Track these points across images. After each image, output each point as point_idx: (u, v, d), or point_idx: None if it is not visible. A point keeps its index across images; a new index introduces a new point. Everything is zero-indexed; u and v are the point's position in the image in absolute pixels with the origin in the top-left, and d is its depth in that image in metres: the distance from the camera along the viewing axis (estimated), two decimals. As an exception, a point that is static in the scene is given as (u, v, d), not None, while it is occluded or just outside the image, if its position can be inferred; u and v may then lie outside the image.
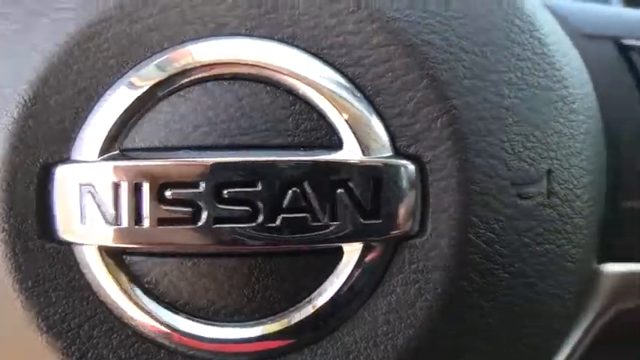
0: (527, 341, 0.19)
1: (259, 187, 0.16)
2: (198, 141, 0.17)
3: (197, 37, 0.17)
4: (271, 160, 0.16)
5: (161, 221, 0.16)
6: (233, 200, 0.16)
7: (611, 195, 0.24)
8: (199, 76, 0.17)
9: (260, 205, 0.16)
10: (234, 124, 0.17)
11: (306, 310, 0.17)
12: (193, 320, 0.17)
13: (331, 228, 0.16)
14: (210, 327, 0.17)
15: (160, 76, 0.17)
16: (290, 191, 0.16)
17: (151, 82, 0.17)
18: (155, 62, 0.17)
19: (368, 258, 0.17)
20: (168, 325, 0.17)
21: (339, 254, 0.17)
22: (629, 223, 0.24)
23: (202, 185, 0.16)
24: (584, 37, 0.26)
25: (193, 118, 0.17)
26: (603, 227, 0.24)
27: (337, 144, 0.17)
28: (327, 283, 0.17)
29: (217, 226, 0.16)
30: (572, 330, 0.23)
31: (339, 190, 0.16)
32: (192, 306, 0.17)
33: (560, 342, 0.22)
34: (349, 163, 0.17)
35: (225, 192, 0.16)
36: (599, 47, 0.26)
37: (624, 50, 0.26)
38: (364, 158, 0.17)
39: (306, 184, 0.16)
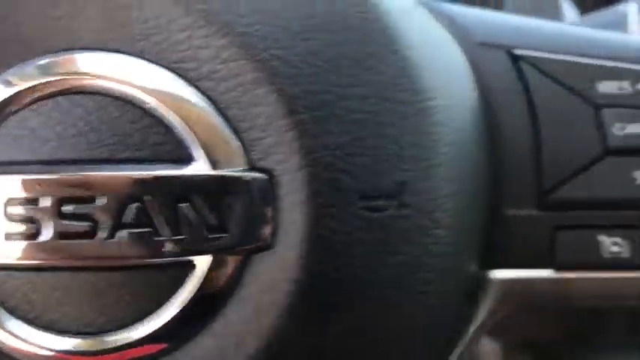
0: (386, 347, 0.20)
1: (100, 202, 0.16)
2: (47, 156, 0.17)
3: (48, 51, 0.17)
4: (111, 175, 0.16)
5: (7, 236, 0.17)
6: (75, 216, 0.16)
7: (495, 203, 0.24)
8: (50, 90, 0.17)
9: (101, 220, 0.16)
10: (82, 138, 0.17)
11: (156, 323, 0.17)
12: (45, 332, 0.17)
13: (177, 242, 0.17)
14: (60, 338, 0.17)
15: (9, 92, 0.17)
16: (131, 206, 0.16)
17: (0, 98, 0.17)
18: (5, 77, 0.17)
19: (218, 271, 0.17)
20: (19, 338, 0.17)
21: (190, 267, 0.17)
22: (514, 230, 0.24)
23: (45, 200, 0.16)
24: (478, 45, 0.26)
25: (43, 133, 0.17)
26: (487, 234, 0.24)
27: (187, 158, 0.17)
28: (176, 296, 0.17)
29: (60, 241, 0.16)
30: (451, 335, 0.24)
31: (183, 205, 0.17)
32: (44, 319, 0.17)
33: (435, 348, 0.22)
34: (194, 177, 0.17)
35: (67, 207, 0.16)
36: (492, 56, 0.26)
37: (515, 60, 0.26)
38: (212, 172, 0.17)
39: (148, 199, 0.16)
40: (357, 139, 0.18)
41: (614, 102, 0.25)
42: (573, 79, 0.25)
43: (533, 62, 0.26)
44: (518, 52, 0.26)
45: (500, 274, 0.24)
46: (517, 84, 0.25)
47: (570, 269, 0.24)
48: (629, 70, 0.25)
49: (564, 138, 0.24)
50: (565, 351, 0.41)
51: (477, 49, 0.26)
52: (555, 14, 0.60)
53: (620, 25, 0.43)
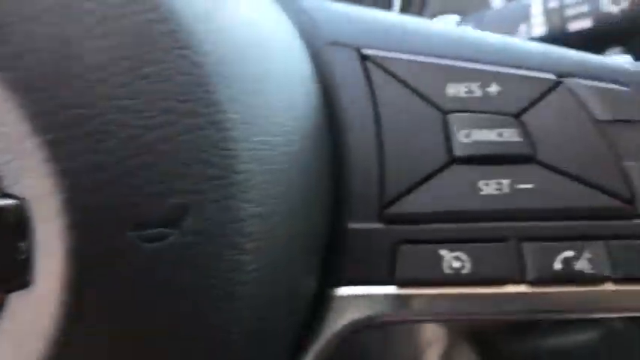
0: None
1: None
2: None
3: None
4: None
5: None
6: None
7: (337, 216, 0.23)
8: None
9: None
10: None
11: None
12: None
13: None
14: None
15: None
16: None
17: None
18: None
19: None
20: None
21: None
22: (357, 245, 0.23)
23: None
24: (328, 44, 0.25)
25: None
26: (330, 250, 0.23)
27: None
28: None
29: None
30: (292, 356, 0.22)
31: None
32: None
33: None
34: None
35: None
36: (342, 56, 0.24)
37: (364, 60, 0.24)
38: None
39: None
40: (124, 158, 0.15)
41: (462, 106, 0.23)
42: (422, 82, 0.24)
43: (380, 63, 0.24)
44: (366, 51, 0.24)
45: (343, 291, 0.23)
46: (365, 87, 0.24)
47: (411, 285, 0.22)
48: (480, 71, 0.24)
49: (409, 146, 0.23)
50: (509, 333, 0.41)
51: (327, 48, 0.24)
52: (482, 1, 0.59)
53: (523, 16, 0.42)
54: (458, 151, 0.23)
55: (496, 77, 0.23)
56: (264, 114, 0.19)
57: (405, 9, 0.63)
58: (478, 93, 0.23)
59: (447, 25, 0.25)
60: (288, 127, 0.20)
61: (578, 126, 0.23)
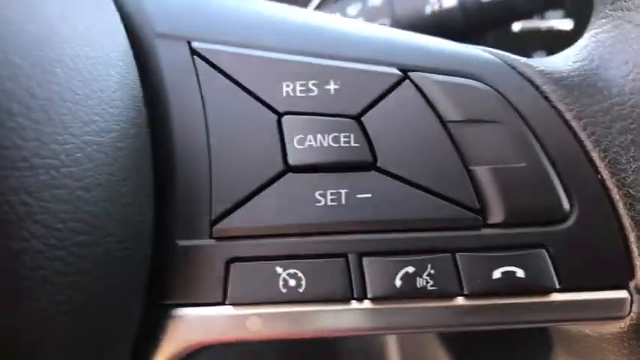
0: None
1: None
2: None
3: None
4: None
5: None
6: None
7: (166, 232, 0.21)
8: None
9: None
10: None
11: None
12: None
13: None
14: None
15: None
16: None
17: None
18: None
19: None
20: None
21: None
22: (188, 263, 0.21)
23: None
24: (157, 36, 0.22)
25: None
26: (160, 269, 0.21)
27: None
28: None
29: None
30: None
31: None
32: None
33: None
34: None
35: None
36: (171, 49, 0.22)
37: (194, 54, 0.21)
38: None
39: None
40: None
41: (298, 108, 0.21)
42: (255, 80, 0.21)
43: (210, 58, 0.21)
44: (196, 45, 0.22)
45: (176, 312, 0.21)
46: (194, 87, 0.21)
47: (246, 305, 0.21)
48: (318, 66, 0.21)
49: (242, 153, 0.21)
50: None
51: (155, 40, 0.22)
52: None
53: None
54: (292, 159, 0.20)
55: (334, 73, 0.21)
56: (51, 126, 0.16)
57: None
58: (315, 92, 0.21)
59: (291, 14, 0.22)
60: (98, 133, 0.17)
61: (423, 128, 0.20)
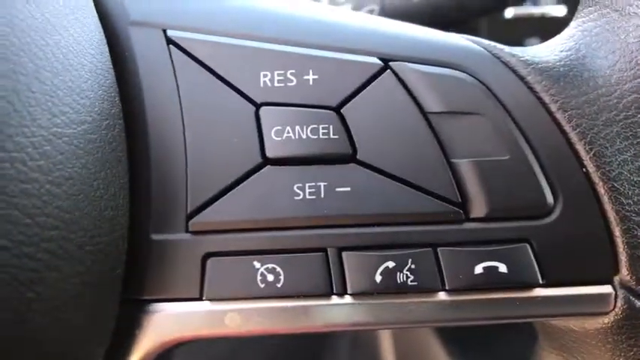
0: None
1: None
2: None
3: None
4: None
5: None
6: None
7: (140, 225, 0.20)
8: None
9: None
10: None
11: None
12: None
13: None
14: None
15: None
16: None
17: None
18: None
19: None
20: None
21: None
22: (163, 257, 0.20)
23: None
24: (132, 24, 0.21)
25: None
26: (135, 262, 0.20)
27: None
28: None
29: None
30: None
31: None
32: None
33: None
34: None
35: None
36: (145, 37, 0.21)
37: (169, 43, 0.21)
38: None
39: None
40: None
41: (276, 98, 0.20)
42: (232, 69, 0.20)
43: (185, 47, 0.21)
44: (171, 33, 0.21)
45: (152, 308, 0.21)
46: (169, 76, 0.21)
47: (224, 300, 0.20)
48: (296, 55, 0.20)
49: (218, 145, 0.20)
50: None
51: (130, 28, 0.21)
52: None
53: None
54: (270, 151, 0.20)
55: (313, 63, 0.20)
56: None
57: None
58: (293, 82, 0.20)
59: (269, 1, 0.22)
60: (69, 124, 0.17)
61: (404, 119, 0.20)
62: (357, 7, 0.40)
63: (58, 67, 0.17)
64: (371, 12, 0.39)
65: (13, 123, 0.15)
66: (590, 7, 0.21)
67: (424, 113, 0.20)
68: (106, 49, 0.20)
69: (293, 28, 0.21)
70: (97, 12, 0.21)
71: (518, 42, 0.53)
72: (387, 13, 0.39)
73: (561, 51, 0.21)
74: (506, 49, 0.21)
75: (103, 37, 0.20)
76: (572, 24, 0.21)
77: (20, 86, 0.16)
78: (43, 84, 0.16)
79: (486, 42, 0.21)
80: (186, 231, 0.20)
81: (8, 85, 0.15)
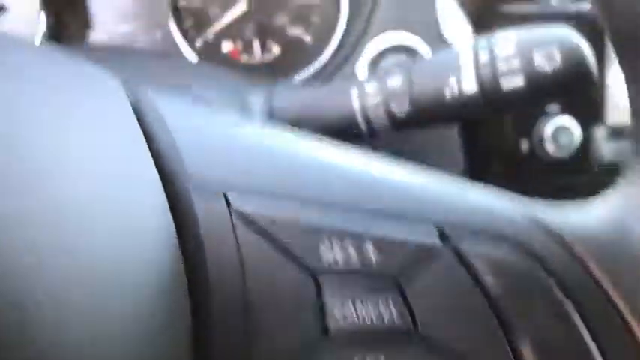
0: None
1: None
2: None
3: None
4: None
5: None
6: None
7: None
8: None
9: None
10: None
11: None
12: None
13: None
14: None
15: None
16: None
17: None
18: None
19: None
20: None
21: None
22: None
23: None
24: (193, 188, 0.21)
25: None
26: None
27: None
28: None
29: None
30: None
31: None
32: None
33: None
34: None
35: None
36: (208, 203, 0.21)
37: (230, 209, 0.21)
38: None
39: None
40: None
41: (336, 270, 0.21)
42: (292, 240, 0.21)
43: (247, 215, 0.21)
44: (233, 199, 0.21)
45: None
46: (231, 244, 0.21)
47: None
48: (357, 224, 0.21)
49: (279, 319, 0.20)
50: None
51: (191, 192, 0.21)
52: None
53: (453, 67, 0.39)
54: (332, 325, 0.20)
55: (373, 236, 0.20)
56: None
57: (351, 21, 0.58)
58: (353, 254, 0.20)
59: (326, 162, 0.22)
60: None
61: (464, 297, 0.20)
62: (386, 101, 0.41)
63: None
64: (400, 111, 0.40)
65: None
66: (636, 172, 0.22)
67: (486, 293, 0.20)
68: (170, 217, 0.20)
69: (353, 192, 0.21)
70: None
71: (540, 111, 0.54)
72: (416, 108, 0.40)
73: (607, 220, 0.21)
74: (556, 216, 0.22)
75: (166, 203, 0.20)
76: (617, 188, 0.22)
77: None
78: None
79: (537, 207, 0.22)
80: None
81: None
